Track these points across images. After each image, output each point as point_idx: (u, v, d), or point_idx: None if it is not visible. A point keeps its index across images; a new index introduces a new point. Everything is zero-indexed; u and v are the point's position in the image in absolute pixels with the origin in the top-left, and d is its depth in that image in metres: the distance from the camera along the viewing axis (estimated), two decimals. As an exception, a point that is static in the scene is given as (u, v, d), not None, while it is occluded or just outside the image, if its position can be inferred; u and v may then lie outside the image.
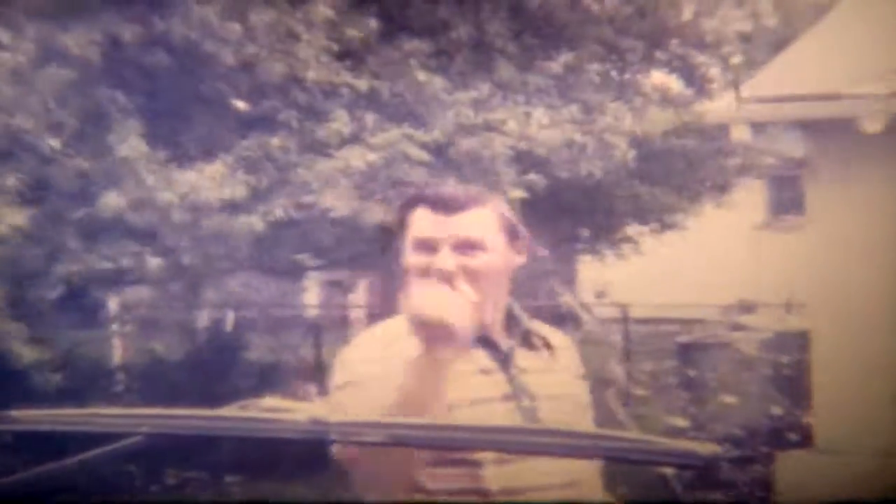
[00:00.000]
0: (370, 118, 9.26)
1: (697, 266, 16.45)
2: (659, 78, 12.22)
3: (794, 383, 10.87)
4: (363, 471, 2.71)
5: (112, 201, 8.35)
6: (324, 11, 9.02)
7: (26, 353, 8.54)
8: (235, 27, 8.70)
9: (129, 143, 8.42)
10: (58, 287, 8.82)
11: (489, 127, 9.54)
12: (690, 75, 12.11)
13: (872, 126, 9.35)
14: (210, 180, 8.54)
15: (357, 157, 8.93)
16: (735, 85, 11.70)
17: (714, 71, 12.24)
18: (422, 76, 9.55)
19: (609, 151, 9.85)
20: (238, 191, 8.59)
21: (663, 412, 11.53)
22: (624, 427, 10.51)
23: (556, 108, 10.01)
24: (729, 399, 11.39)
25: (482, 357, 2.84)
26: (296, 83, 9.20)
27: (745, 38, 12.93)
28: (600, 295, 17.17)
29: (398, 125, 9.22)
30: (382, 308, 18.41)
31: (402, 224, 2.87)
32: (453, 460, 2.70)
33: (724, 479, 9.71)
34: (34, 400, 8.13)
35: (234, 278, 14.08)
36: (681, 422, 11.14)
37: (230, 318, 14.04)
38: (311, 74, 9.09)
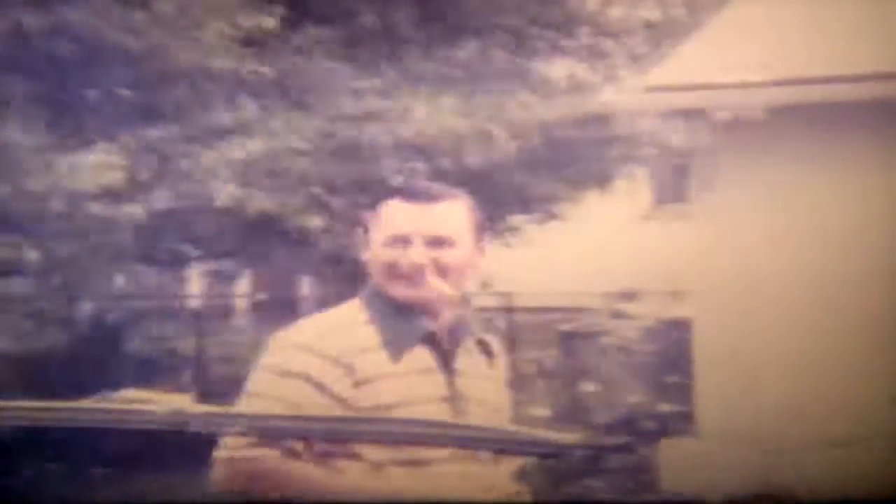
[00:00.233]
0: (252, 107, 9.20)
1: (582, 255, 16.52)
2: (565, 66, 12.22)
3: (675, 371, 10.96)
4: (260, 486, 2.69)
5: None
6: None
7: None
8: (138, 15, 8.59)
9: (6, 129, 8.28)
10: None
11: (373, 116, 9.52)
12: (595, 64, 12.14)
13: (752, 115, 9.45)
14: (89, 168, 8.42)
15: (239, 147, 8.87)
16: (637, 74, 11.75)
17: (619, 60, 12.28)
18: (326, 63, 9.52)
19: (491, 141, 9.87)
20: (116, 177, 8.47)
21: (534, 402, 11.54)
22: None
23: (464, 97, 10.02)
24: (608, 386, 11.47)
25: (424, 355, 2.86)
26: (200, 71, 9.12)
27: (651, 27, 13.01)
28: (485, 285, 17.19)
29: (286, 113, 9.18)
30: (267, 297, 18.31)
31: (371, 219, 2.91)
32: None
33: (606, 468, 9.78)
34: None
35: (116, 268, 13.90)
36: (543, 411, 11.19)
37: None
38: (215, 63, 9.01)
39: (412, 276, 2.82)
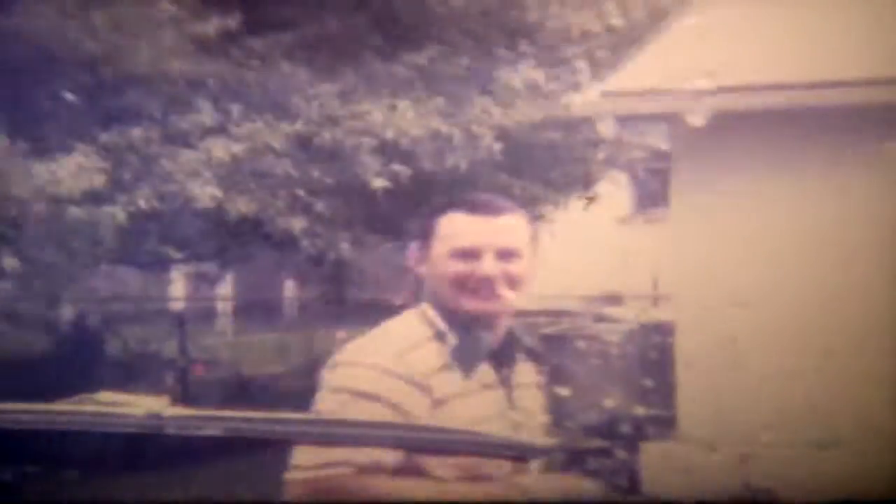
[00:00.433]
0: (235, 109, 9.19)
1: (564, 258, 16.52)
2: (526, 71, 12.24)
3: (657, 374, 10.97)
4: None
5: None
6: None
7: None
8: (97, 18, 8.58)
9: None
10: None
11: (353, 118, 9.51)
12: (557, 69, 12.15)
13: (697, 121, 9.48)
14: (70, 172, 8.40)
15: (220, 149, 8.86)
16: (599, 78, 11.76)
17: (580, 64, 12.27)
18: (286, 67, 9.51)
19: (474, 143, 9.87)
20: (97, 180, 8.46)
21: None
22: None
23: (422, 101, 10.00)
24: (589, 390, 11.48)
25: (486, 369, 2.84)
26: (161, 74, 9.11)
27: (613, 31, 13.01)
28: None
29: (262, 116, 9.16)
30: (250, 300, 18.30)
31: (430, 232, 2.88)
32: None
33: (589, 469, 9.78)
34: None
35: (99, 271, 13.90)
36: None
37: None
38: (176, 65, 9.00)
39: (482, 288, 2.79)
